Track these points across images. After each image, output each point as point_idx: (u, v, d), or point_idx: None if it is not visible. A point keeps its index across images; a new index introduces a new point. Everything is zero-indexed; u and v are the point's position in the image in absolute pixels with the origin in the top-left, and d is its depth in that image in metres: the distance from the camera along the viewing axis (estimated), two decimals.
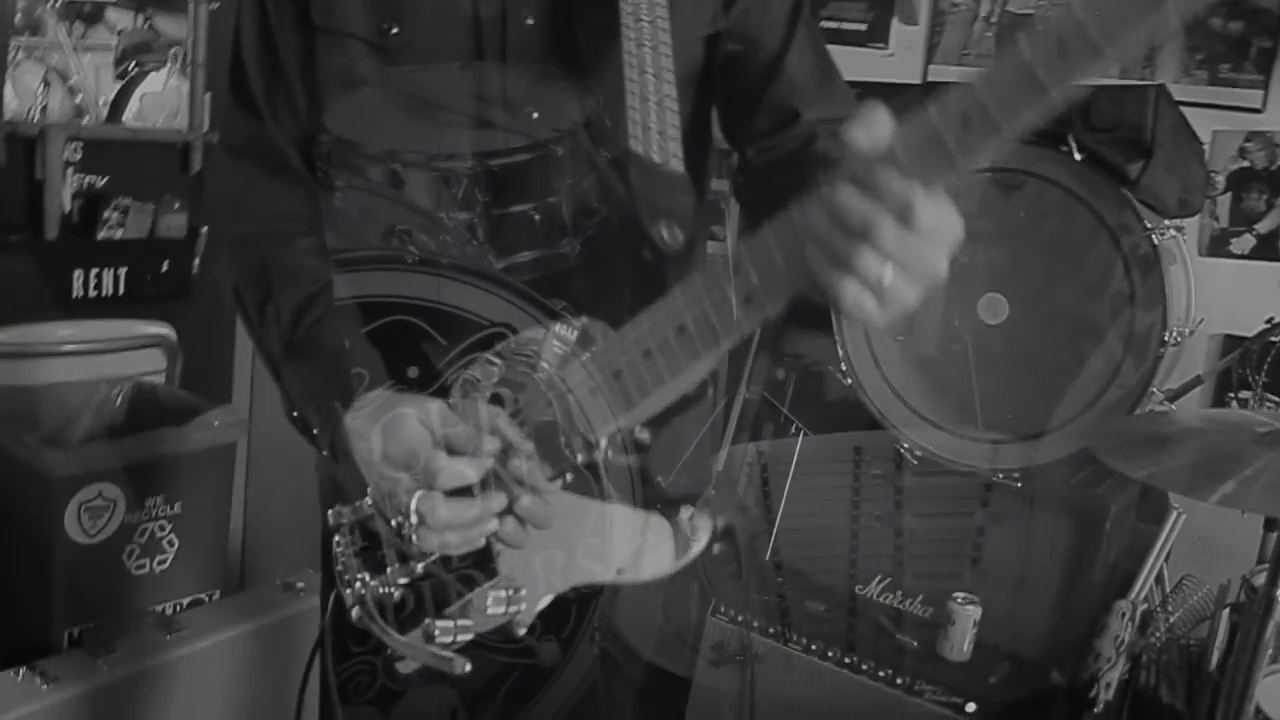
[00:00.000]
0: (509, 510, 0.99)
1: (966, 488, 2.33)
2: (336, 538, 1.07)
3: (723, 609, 2.27)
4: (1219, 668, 2.03)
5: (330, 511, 1.07)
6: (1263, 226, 2.48)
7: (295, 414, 1.14)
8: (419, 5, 1.11)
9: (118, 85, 3.71)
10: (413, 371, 1.04)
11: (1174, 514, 2.13)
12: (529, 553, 1.01)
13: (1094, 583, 2.35)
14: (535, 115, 1.06)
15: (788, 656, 2.21)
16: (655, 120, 1.01)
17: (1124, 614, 2.15)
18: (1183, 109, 2.34)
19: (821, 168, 0.86)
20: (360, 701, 1.17)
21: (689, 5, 1.12)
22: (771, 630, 2.22)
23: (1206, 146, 2.43)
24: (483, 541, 1.01)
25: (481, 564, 1.02)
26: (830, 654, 2.20)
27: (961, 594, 2.20)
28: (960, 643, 2.19)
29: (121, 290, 2.16)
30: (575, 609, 1.13)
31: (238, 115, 1.20)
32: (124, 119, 3.30)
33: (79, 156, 2.20)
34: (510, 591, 1.00)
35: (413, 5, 1.11)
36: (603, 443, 0.98)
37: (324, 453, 1.09)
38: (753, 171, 1.17)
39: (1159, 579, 2.41)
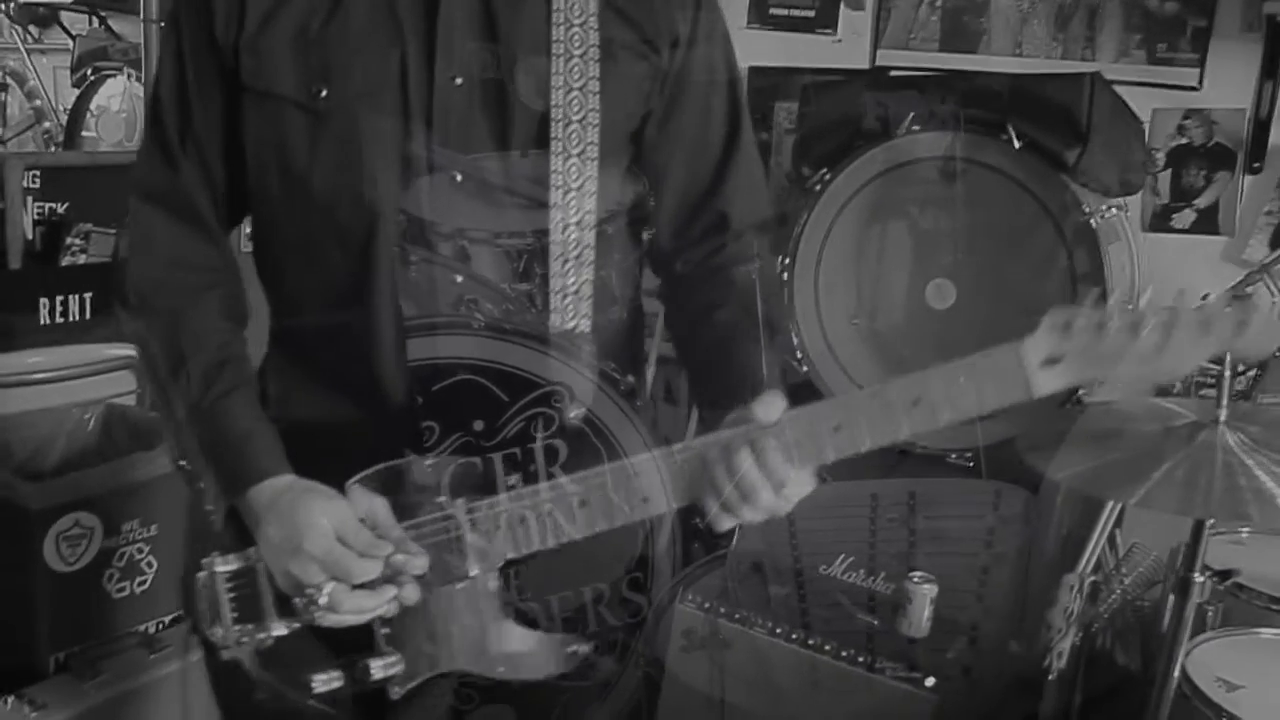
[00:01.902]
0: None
1: (921, 468, 2.40)
2: (204, 576, 1.16)
3: (690, 597, 2.34)
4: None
5: (211, 559, 1.16)
6: (1202, 201, 2.55)
7: (184, 463, 1.22)
8: (348, 67, 1.14)
9: (75, 94, 3.71)
10: (478, 425, 1.15)
11: None
12: (413, 635, 1.16)
13: (1048, 555, 2.44)
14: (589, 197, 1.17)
15: (755, 640, 2.29)
16: (575, 200, 1.12)
17: (1072, 586, 2.23)
18: (1123, 88, 2.39)
19: (737, 292, 1.20)
20: None
21: (623, 101, 1.17)
22: (738, 615, 2.30)
23: (1146, 125, 2.49)
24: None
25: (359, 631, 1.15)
26: (795, 636, 2.28)
27: (918, 573, 2.28)
28: (919, 620, 2.27)
29: (88, 314, 2.19)
30: (624, 632, 1.26)
31: (152, 159, 1.23)
32: (82, 135, 3.30)
33: (38, 185, 2.23)
34: (391, 661, 1.15)
35: (341, 67, 1.14)
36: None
37: (208, 508, 1.18)
38: (681, 284, 1.29)
39: (1112, 544, 2.50)
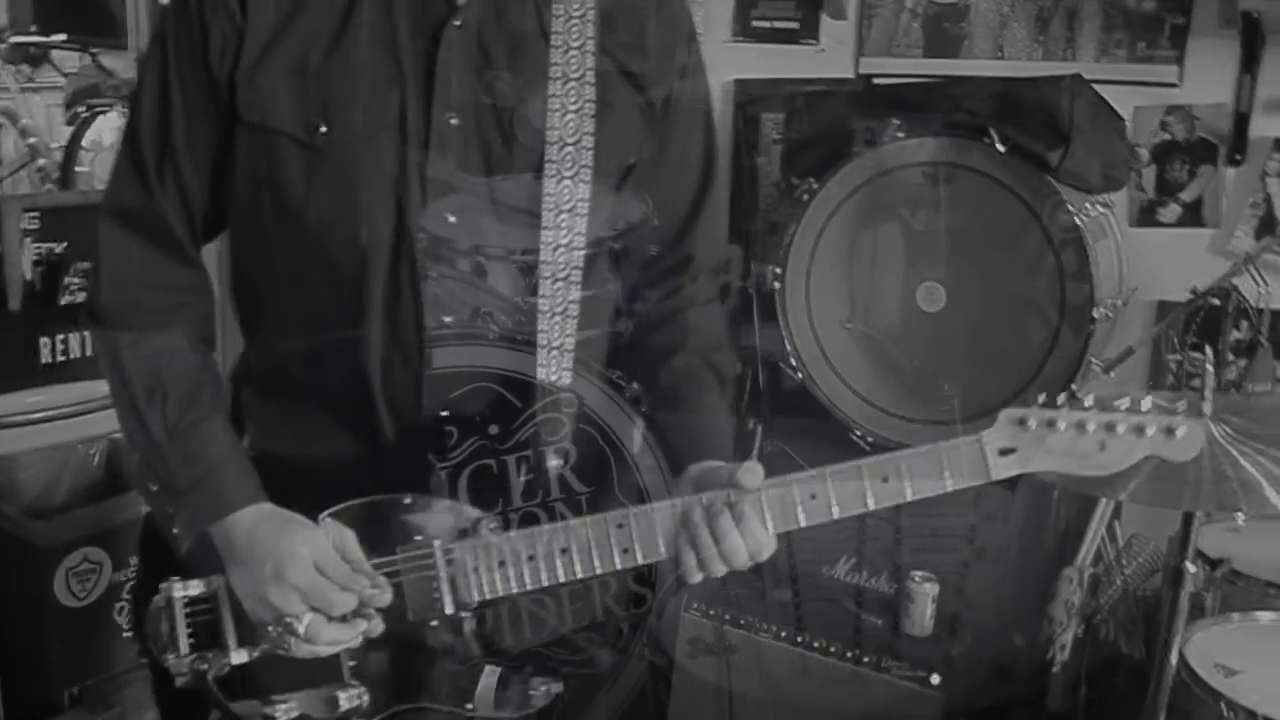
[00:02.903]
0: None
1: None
2: (160, 601, 1.14)
3: (695, 605, 2.36)
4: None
5: (170, 584, 1.15)
6: (1187, 195, 2.58)
7: (153, 487, 1.20)
8: (348, 104, 1.14)
9: (69, 131, 3.73)
10: (493, 429, 1.18)
11: None
12: (380, 668, 1.17)
13: (1047, 549, 2.46)
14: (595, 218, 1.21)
15: (759, 644, 2.31)
16: (565, 220, 1.16)
17: (1072, 580, 2.26)
18: (1104, 87, 2.42)
19: (692, 337, 1.28)
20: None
21: (616, 131, 1.20)
22: (743, 621, 2.32)
23: (1129, 123, 2.51)
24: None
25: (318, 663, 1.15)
26: (800, 639, 2.31)
27: (919, 572, 2.30)
28: (921, 618, 2.30)
29: (88, 352, 2.21)
30: (629, 625, 1.29)
31: (127, 183, 1.21)
32: (76, 170, 3.32)
33: (36, 226, 2.25)
34: (356, 692, 1.16)
35: (341, 103, 1.14)
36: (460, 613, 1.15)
37: (175, 531, 1.16)
38: (638, 326, 1.32)
39: (1112, 536, 2.52)
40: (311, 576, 1.11)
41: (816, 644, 2.28)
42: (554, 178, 1.17)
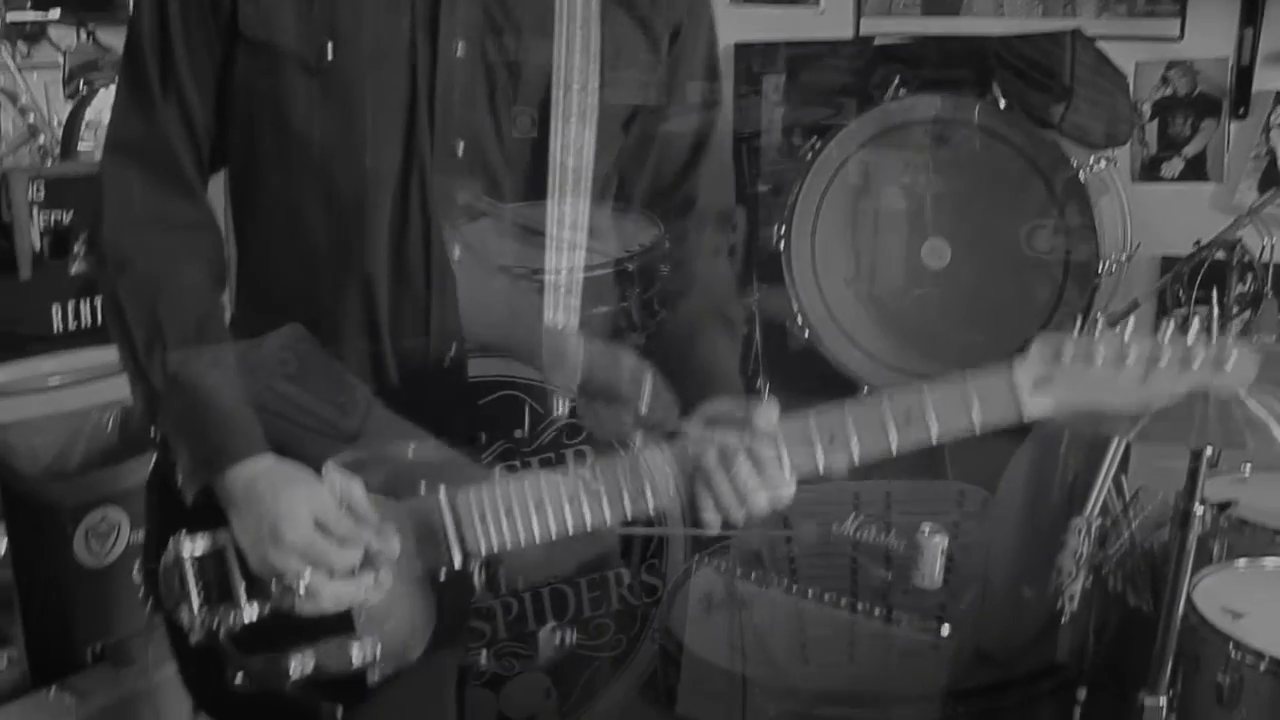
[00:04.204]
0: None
1: None
2: (169, 558, 1.11)
3: (707, 560, 2.38)
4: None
5: (178, 540, 1.11)
6: (1189, 150, 2.59)
7: (156, 433, 1.17)
8: (358, 27, 1.11)
9: (69, 105, 3.73)
10: (519, 433, 1.19)
11: None
12: (392, 620, 1.15)
13: (1055, 501, 2.48)
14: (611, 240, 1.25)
15: (771, 599, 2.33)
16: (572, 159, 1.16)
17: (1080, 530, 2.28)
18: (1106, 42, 2.43)
19: (699, 285, 1.27)
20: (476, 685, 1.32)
21: (622, 72, 1.20)
22: (754, 575, 2.35)
23: (1131, 78, 2.52)
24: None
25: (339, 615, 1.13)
26: (811, 592, 2.33)
27: (928, 525, 2.32)
28: (931, 571, 2.32)
29: (99, 320, 2.22)
30: (640, 614, 1.32)
31: (129, 112, 1.16)
32: (78, 148, 3.32)
33: (43, 195, 2.25)
34: (369, 644, 1.13)
35: (349, 25, 1.11)
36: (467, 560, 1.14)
37: (180, 477, 1.12)
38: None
39: (1119, 490, 2.54)
40: (309, 535, 1.08)
41: (827, 596, 2.31)
42: (560, 118, 1.16)
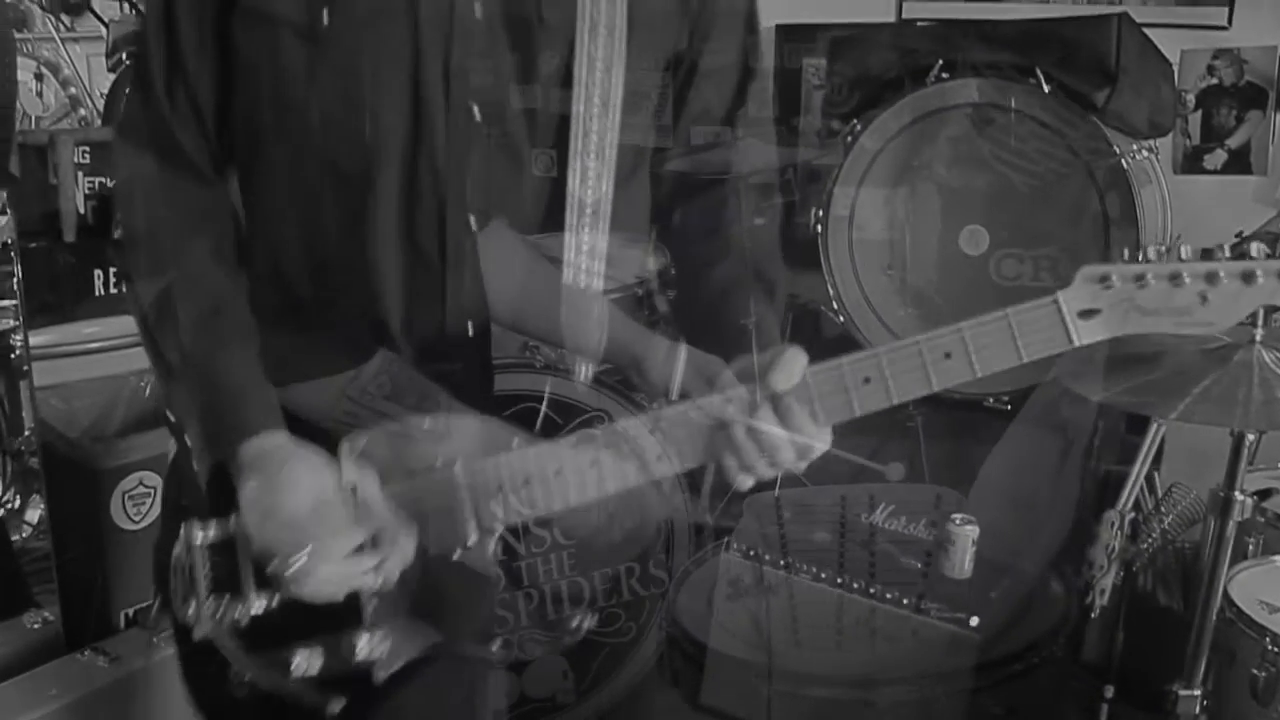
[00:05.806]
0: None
1: (960, 413, 2.43)
2: (181, 549, 1.09)
3: (736, 545, 2.38)
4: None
5: (190, 529, 1.08)
6: (1233, 141, 2.55)
7: (170, 418, 1.17)
8: None
9: (111, 78, 3.78)
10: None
11: (1154, 425, 2.23)
12: (401, 611, 1.11)
13: (1085, 494, 2.46)
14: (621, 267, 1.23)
15: (798, 586, 2.33)
16: (596, 125, 1.12)
17: (1113, 523, 2.25)
18: (1151, 30, 2.39)
19: (734, 250, 1.23)
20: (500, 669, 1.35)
21: (650, 19, 1.15)
22: (782, 562, 2.34)
23: (1175, 66, 2.49)
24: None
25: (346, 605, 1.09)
26: (840, 580, 2.32)
27: (959, 515, 2.31)
28: (961, 561, 2.30)
29: None
30: (647, 603, 1.34)
31: (136, 95, 1.16)
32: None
33: (87, 160, 2.28)
34: (377, 637, 1.09)
35: None
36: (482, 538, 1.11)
37: (195, 466, 1.11)
38: (677, 237, 1.31)
39: (1151, 487, 2.52)
40: (301, 516, 1.04)
41: (856, 585, 2.30)
42: (586, 66, 1.10)
